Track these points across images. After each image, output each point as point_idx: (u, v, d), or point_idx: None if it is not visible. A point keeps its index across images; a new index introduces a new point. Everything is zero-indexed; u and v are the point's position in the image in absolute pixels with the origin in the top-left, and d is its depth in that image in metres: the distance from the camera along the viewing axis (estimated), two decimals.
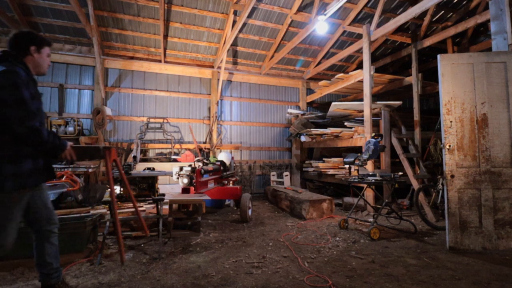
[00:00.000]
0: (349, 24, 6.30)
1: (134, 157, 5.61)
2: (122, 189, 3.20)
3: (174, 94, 6.97)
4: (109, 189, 3.42)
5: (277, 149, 7.88)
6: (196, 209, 3.97)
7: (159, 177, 3.39)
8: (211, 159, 6.35)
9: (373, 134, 4.22)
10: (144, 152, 6.58)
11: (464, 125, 3.15)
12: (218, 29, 6.34)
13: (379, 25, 5.36)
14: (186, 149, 6.86)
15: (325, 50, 7.21)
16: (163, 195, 3.30)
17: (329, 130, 6.27)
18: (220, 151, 6.93)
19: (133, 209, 4.03)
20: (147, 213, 4.00)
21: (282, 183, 7.12)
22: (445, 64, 3.21)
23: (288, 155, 7.99)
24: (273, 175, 7.34)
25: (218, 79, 7.16)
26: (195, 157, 6.42)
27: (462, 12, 6.05)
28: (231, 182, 5.60)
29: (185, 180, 4.44)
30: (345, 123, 6.00)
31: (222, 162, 5.44)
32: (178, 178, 4.64)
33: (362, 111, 5.63)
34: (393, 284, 2.29)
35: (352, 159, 4.00)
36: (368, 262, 2.75)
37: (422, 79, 5.89)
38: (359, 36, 6.32)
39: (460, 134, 3.15)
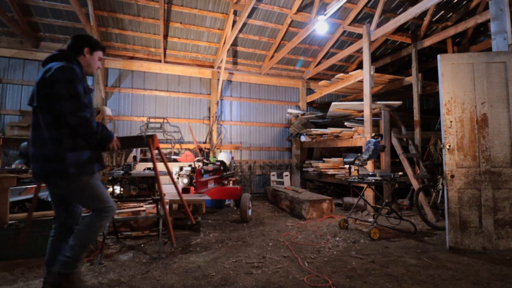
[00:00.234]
0: (349, 24, 6.30)
1: (134, 157, 5.62)
2: (122, 189, 3.20)
3: (174, 94, 6.97)
4: (109, 189, 3.42)
5: (277, 149, 7.88)
6: (196, 209, 3.97)
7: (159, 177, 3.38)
8: (211, 159, 6.35)
9: (373, 134, 4.22)
10: (144, 152, 6.58)
11: (464, 125, 3.15)
12: (218, 29, 6.34)
13: (379, 25, 5.36)
14: (186, 149, 6.87)
15: (325, 50, 7.21)
16: (164, 194, 3.29)
17: (329, 130, 6.27)
18: (220, 151, 6.93)
19: (133, 209, 4.03)
20: (147, 213, 4.00)
21: (282, 183, 7.12)
22: (445, 64, 3.21)
23: (288, 155, 7.99)
24: (273, 175, 7.34)
25: (218, 79, 7.16)
26: (195, 157, 6.43)
27: (462, 12, 6.05)
28: (231, 182, 5.60)
29: (185, 180, 4.44)
30: (345, 123, 6.00)
31: (222, 162, 5.44)
32: (178, 178, 4.64)
33: (362, 111, 5.63)
34: (393, 284, 2.29)
35: (352, 159, 4.00)
36: (368, 262, 2.75)
37: (422, 79, 5.89)
38: (359, 36, 6.32)
39: (460, 134, 3.15)
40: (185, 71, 7.09)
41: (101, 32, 6.00)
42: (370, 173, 3.92)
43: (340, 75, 6.17)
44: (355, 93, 7.48)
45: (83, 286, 2.05)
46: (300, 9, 5.96)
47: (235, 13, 5.84)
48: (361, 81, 5.56)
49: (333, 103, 6.29)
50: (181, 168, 4.64)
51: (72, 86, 1.82)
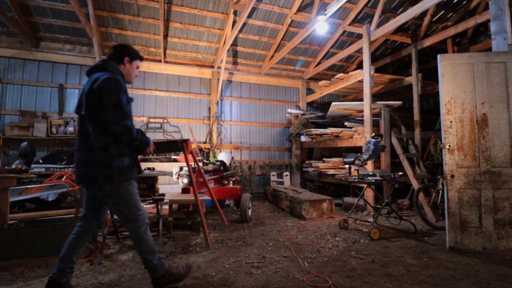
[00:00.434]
0: (349, 24, 6.30)
1: None
2: None
3: (174, 94, 6.97)
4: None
5: (277, 149, 7.88)
6: (196, 209, 3.97)
7: (159, 177, 3.39)
8: (211, 159, 6.35)
9: (373, 134, 4.22)
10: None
11: (464, 125, 3.15)
12: (218, 29, 6.34)
13: (379, 25, 5.36)
14: None
15: (325, 50, 7.21)
16: (163, 195, 3.30)
17: (329, 130, 6.27)
18: (220, 151, 6.93)
19: None
20: (147, 213, 4.00)
21: (282, 183, 7.12)
22: (445, 64, 3.21)
23: (288, 155, 7.99)
24: (273, 175, 7.34)
25: (218, 79, 7.16)
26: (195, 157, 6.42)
27: (462, 12, 6.05)
28: (231, 182, 5.60)
29: (185, 180, 4.44)
30: (345, 123, 6.00)
31: (222, 162, 5.44)
32: (178, 178, 4.64)
33: (362, 111, 5.63)
34: (393, 284, 2.29)
35: (352, 159, 4.00)
36: (368, 262, 2.75)
37: (422, 79, 5.89)
38: (359, 36, 6.32)
39: (460, 134, 3.14)
40: (185, 71, 7.09)
41: (101, 32, 6.00)
42: (370, 173, 3.92)
43: (340, 75, 6.17)
44: (355, 93, 7.47)
45: (179, 271, 2.17)
46: (300, 9, 5.96)
47: (235, 13, 5.84)
48: (361, 81, 5.56)
49: (333, 103, 6.29)
50: (181, 168, 4.64)
51: (117, 97, 1.95)
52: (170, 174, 4.17)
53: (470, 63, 3.19)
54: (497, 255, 2.92)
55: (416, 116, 5.70)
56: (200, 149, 6.97)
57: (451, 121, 3.16)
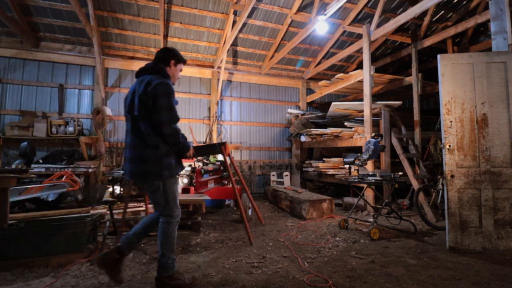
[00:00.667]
0: (349, 24, 6.30)
1: None
2: (122, 189, 3.20)
3: None
4: (109, 189, 3.42)
5: (277, 149, 7.88)
6: (196, 209, 3.97)
7: None
8: (211, 159, 6.35)
9: (373, 134, 4.22)
10: None
11: (464, 125, 3.15)
12: (218, 29, 6.34)
13: (379, 25, 5.36)
14: None
15: (325, 50, 7.21)
16: None
17: (329, 130, 6.27)
18: None
19: (133, 209, 4.04)
20: (147, 213, 4.00)
21: (282, 183, 7.12)
22: (445, 64, 3.21)
23: (288, 155, 7.99)
24: (273, 175, 7.34)
25: (218, 79, 7.16)
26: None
27: (462, 12, 6.05)
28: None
29: (185, 180, 4.44)
30: (345, 123, 6.00)
31: (222, 162, 5.44)
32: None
33: (362, 111, 5.63)
34: (393, 284, 2.29)
35: (352, 159, 4.00)
36: (368, 262, 2.75)
37: (422, 79, 5.89)
38: (359, 36, 6.32)
39: (460, 134, 3.14)
40: (185, 71, 7.09)
41: (101, 32, 6.00)
42: (370, 173, 3.92)
43: (340, 75, 6.17)
44: (355, 93, 7.48)
45: (184, 279, 2.22)
46: (300, 9, 5.96)
47: (235, 13, 5.84)
48: (361, 81, 5.56)
49: (333, 103, 6.29)
50: None
51: (169, 100, 2.11)
52: None
53: (470, 63, 3.19)
54: (497, 255, 2.92)
55: (416, 116, 5.70)
56: None
57: (451, 121, 3.16)
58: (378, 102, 5.63)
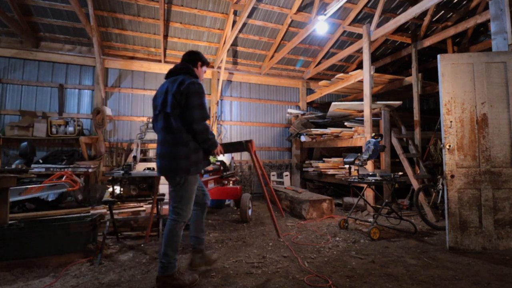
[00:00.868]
0: (349, 24, 6.30)
1: (134, 157, 5.62)
2: (122, 189, 3.20)
3: None
4: (109, 189, 3.42)
5: (277, 149, 7.88)
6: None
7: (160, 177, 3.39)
8: (211, 159, 6.35)
9: (373, 134, 4.22)
10: (144, 152, 6.57)
11: (464, 125, 3.15)
12: (218, 29, 6.34)
13: (379, 25, 5.36)
14: None
15: (325, 50, 7.21)
16: (163, 195, 3.30)
17: (329, 130, 6.27)
18: None
19: (133, 209, 4.04)
20: (147, 213, 4.00)
21: (282, 183, 7.12)
22: (445, 64, 3.21)
23: (288, 155, 7.99)
24: (273, 175, 7.34)
25: (218, 79, 7.16)
26: None
27: (462, 12, 6.05)
28: (231, 182, 5.60)
29: None
30: (345, 123, 6.00)
31: (222, 162, 5.43)
32: None
33: (362, 111, 5.63)
34: (393, 284, 2.29)
35: (352, 159, 4.00)
36: (368, 262, 2.75)
37: (422, 79, 5.89)
38: (359, 36, 6.32)
39: (460, 134, 3.14)
40: None
41: (101, 32, 6.00)
42: (370, 173, 3.92)
43: (340, 75, 6.17)
44: (355, 93, 7.47)
45: (184, 280, 2.22)
46: (300, 9, 5.96)
47: (235, 13, 5.84)
48: (361, 81, 5.56)
49: (333, 103, 6.29)
50: None
51: (201, 99, 2.24)
52: None
53: (470, 63, 3.19)
54: (497, 255, 2.92)
55: (416, 116, 5.70)
56: None
57: (451, 121, 3.16)
58: (378, 102, 5.63)
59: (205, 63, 2.57)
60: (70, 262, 2.69)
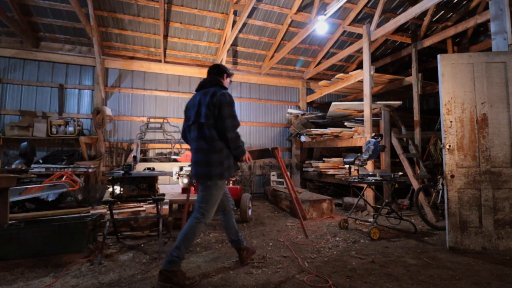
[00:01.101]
0: (349, 24, 6.30)
1: (134, 157, 5.62)
2: (122, 189, 3.20)
3: (174, 94, 6.97)
4: (109, 189, 3.41)
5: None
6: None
7: (159, 177, 3.39)
8: None
9: (373, 134, 4.22)
10: (144, 152, 6.58)
11: (464, 125, 3.15)
12: (218, 29, 6.34)
13: (379, 25, 5.36)
14: (186, 149, 6.86)
15: (325, 50, 7.21)
16: (163, 195, 3.30)
17: (329, 130, 6.27)
18: None
19: (133, 209, 4.04)
20: (147, 213, 4.01)
21: (282, 183, 7.10)
22: (445, 64, 3.21)
23: (288, 155, 7.99)
24: (273, 175, 7.33)
25: None
26: None
27: (462, 12, 6.05)
28: (231, 182, 5.60)
29: (185, 180, 4.44)
30: (345, 123, 6.00)
31: None
32: (178, 178, 4.63)
33: (362, 111, 5.63)
34: (393, 284, 2.29)
35: (352, 159, 4.00)
36: (368, 262, 2.75)
37: (422, 79, 5.89)
38: (359, 36, 6.32)
39: (460, 134, 3.14)
40: (185, 71, 7.09)
41: (101, 32, 6.00)
42: (370, 173, 3.92)
43: (340, 75, 6.17)
44: (355, 93, 7.47)
45: (184, 280, 2.25)
46: (300, 9, 5.96)
47: (235, 13, 5.84)
48: (361, 81, 5.56)
49: (333, 103, 6.29)
50: (181, 168, 4.63)
51: (232, 109, 2.40)
52: (170, 174, 4.17)
53: (470, 63, 3.19)
54: (497, 255, 2.92)
55: (416, 116, 5.70)
56: None
57: (451, 121, 3.16)
58: (378, 102, 5.63)
59: (230, 75, 2.73)
60: (70, 262, 2.69)
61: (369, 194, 5.03)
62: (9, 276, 2.44)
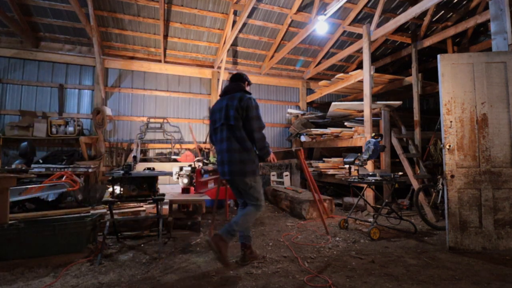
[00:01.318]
0: (349, 24, 6.30)
1: (134, 157, 5.62)
2: (122, 189, 3.20)
3: (174, 94, 6.97)
4: (109, 189, 3.41)
5: (277, 149, 7.87)
6: (196, 209, 3.97)
7: (159, 177, 3.39)
8: (211, 159, 6.36)
9: (373, 134, 4.22)
10: (144, 152, 6.58)
11: (464, 125, 3.15)
12: (218, 29, 6.34)
13: (379, 25, 5.36)
14: (186, 149, 6.87)
15: (325, 50, 7.21)
16: (163, 195, 3.30)
17: (329, 130, 6.27)
18: None
19: (133, 209, 4.04)
20: (147, 213, 4.00)
21: (282, 183, 7.10)
22: (445, 64, 3.21)
23: None
24: (273, 175, 7.32)
25: (218, 79, 7.17)
26: (195, 157, 6.43)
27: (462, 12, 6.05)
28: None
29: (185, 180, 4.45)
30: (345, 123, 6.00)
31: None
32: (178, 178, 4.64)
33: (362, 111, 5.63)
34: (393, 284, 2.29)
35: (352, 159, 4.00)
36: (368, 262, 2.75)
37: (422, 79, 5.89)
38: (359, 36, 6.32)
39: (460, 134, 3.14)
40: (185, 71, 7.10)
41: (101, 32, 6.00)
42: (370, 173, 3.92)
43: (340, 75, 6.17)
44: (355, 93, 7.48)
45: (227, 253, 2.50)
46: (300, 9, 5.96)
47: (235, 13, 5.84)
48: (361, 81, 5.56)
49: (333, 103, 6.29)
50: (181, 168, 4.64)
51: (258, 112, 2.64)
52: (170, 174, 4.17)
53: (470, 63, 3.18)
54: (497, 255, 2.92)
55: (416, 116, 5.70)
56: (200, 149, 6.98)
57: (451, 121, 3.16)
58: (378, 102, 5.63)
59: (250, 81, 2.98)
60: (70, 262, 2.69)
61: (369, 194, 5.03)
62: (9, 276, 2.43)
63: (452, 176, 3.11)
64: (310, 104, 8.30)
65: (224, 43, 6.39)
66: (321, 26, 5.36)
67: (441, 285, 2.27)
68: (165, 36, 6.31)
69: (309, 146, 7.44)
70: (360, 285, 2.27)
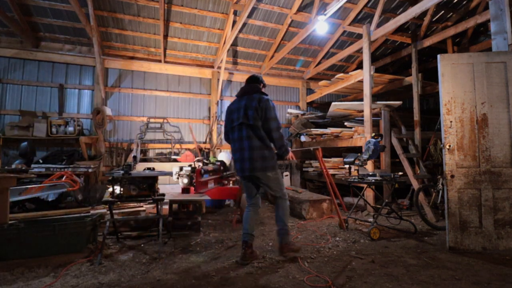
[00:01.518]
0: (349, 24, 6.30)
1: (134, 157, 5.62)
2: (122, 189, 3.20)
3: (174, 94, 6.97)
4: (109, 189, 3.41)
5: None
6: (196, 209, 3.97)
7: (159, 177, 3.39)
8: (211, 159, 6.36)
9: (373, 134, 4.22)
10: (144, 152, 6.58)
11: (464, 125, 3.15)
12: (218, 29, 6.34)
13: (379, 25, 5.35)
14: (186, 149, 6.86)
15: (325, 50, 7.21)
16: (163, 195, 3.30)
17: (329, 130, 6.27)
18: (220, 151, 6.93)
19: (133, 209, 4.04)
20: (147, 213, 4.01)
21: None
22: (445, 64, 3.21)
23: None
24: None
25: (218, 79, 7.17)
26: (195, 157, 6.43)
27: (462, 12, 6.05)
28: (231, 182, 5.60)
29: (185, 180, 4.45)
30: (345, 123, 6.00)
31: (222, 162, 5.44)
32: (178, 178, 4.64)
33: (362, 111, 5.63)
34: (393, 284, 2.29)
35: (352, 159, 4.00)
36: (368, 262, 2.75)
37: (422, 79, 5.89)
38: (359, 36, 6.32)
39: (460, 134, 3.14)
40: (185, 71, 7.10)
41: (101, 32, 6.00)
42: (370, 173, 3.92)
43: (340, 75, 6.17)
44: (355, 93, 7.47)
45: (293, 244, 2.86)
46: (300, 9, 5.96)
47: (235, 13, 5.84)
48: (361, 81, 5.56)
49: (333, 103, 6.29)
50: (181, 168, 4.64)
51: (275, 112, 2.80)
52: (170, 174, 4.17)
53: (470, 63, 3.18)
54: (497, 255, 2.92)
55: (416, 116, 5.70)
56: (200, 149, 6.98)
57: (451, 121, 3.16)
58: (378, 102, 5.63)
59: (265, 85, 3.12)
60: (70, 262, 2.69)
61: (369, 194, 5.03)
62: (9, 276, 2.43)
63: (452, 176, 3.11)
64: (310, 104, 8.30)
65: (224, 43, 6.39)
66: (321, 26, 5.36)
67: (441, 285, 2.27)
68: (165, 36, 6.31)
69: (309, 146, 7.43)
70: (360, 285, 2.27)
